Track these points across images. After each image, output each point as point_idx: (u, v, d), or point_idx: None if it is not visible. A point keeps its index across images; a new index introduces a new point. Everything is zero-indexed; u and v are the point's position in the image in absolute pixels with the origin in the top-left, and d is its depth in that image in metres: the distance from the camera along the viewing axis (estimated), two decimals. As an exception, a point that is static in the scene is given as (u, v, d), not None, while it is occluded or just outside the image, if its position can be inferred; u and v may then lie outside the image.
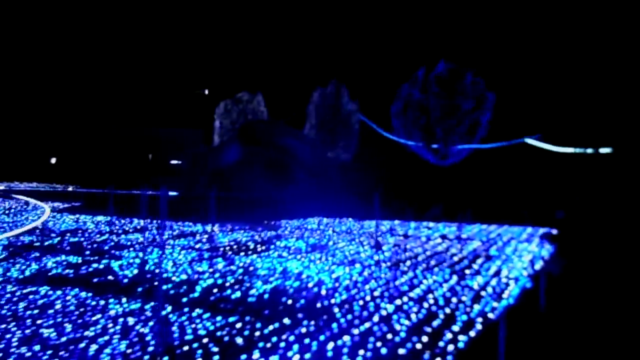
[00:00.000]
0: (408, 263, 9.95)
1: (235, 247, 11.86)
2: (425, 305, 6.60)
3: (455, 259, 10.64)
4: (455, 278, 8.49)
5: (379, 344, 5.18)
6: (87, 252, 10.50)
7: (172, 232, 14.36)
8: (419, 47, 32.73)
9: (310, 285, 7.77)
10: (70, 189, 34.33)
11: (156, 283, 6.95)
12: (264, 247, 11.86)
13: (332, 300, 6.78)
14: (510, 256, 11.02)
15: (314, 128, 34.84)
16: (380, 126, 35.25)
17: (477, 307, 6.63)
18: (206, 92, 41.81)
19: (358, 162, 34.35)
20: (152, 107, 46.48)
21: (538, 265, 9.86)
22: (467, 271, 9.21)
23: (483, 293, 7.47)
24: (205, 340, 5.20)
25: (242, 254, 10.95)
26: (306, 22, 42.31)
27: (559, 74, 32.34)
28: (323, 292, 7.34)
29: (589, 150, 27.99)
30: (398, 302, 6.73)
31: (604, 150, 27.72)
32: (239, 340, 5.20)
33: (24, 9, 41.76)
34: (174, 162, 41.51)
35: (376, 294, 7.22)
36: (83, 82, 43.00)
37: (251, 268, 9.17)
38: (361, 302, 6.68)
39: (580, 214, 19.72)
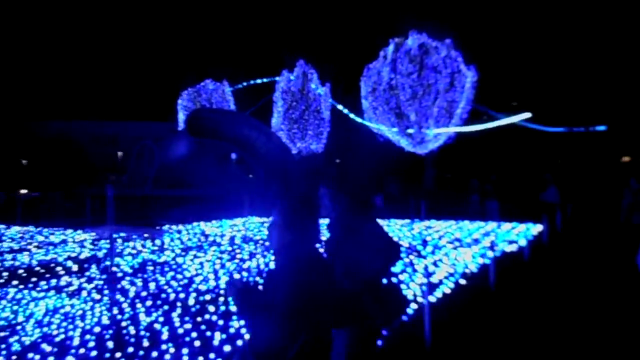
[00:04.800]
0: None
1: (39, 270, 8.72)
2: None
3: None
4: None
5: None
6: None
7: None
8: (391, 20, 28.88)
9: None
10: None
11: None
12: (75, 269, 8.70)
13: None
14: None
15: (280, 116, 31.43)
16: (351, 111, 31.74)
17: None
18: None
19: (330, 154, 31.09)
20: (119, 100, 43.88)
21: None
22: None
23: None
24: None
25: (13, 284, 7.79)
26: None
27: (548, 47, 28.36)
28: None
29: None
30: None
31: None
32: None
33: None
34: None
35: None
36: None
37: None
38: None
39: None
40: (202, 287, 7.19)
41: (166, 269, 8.43)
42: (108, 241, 11.88)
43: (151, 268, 8.39)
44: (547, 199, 16.11)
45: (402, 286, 6.74)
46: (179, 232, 13.48)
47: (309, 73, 30.37)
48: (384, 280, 3.18)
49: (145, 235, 12.93)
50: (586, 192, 19.11)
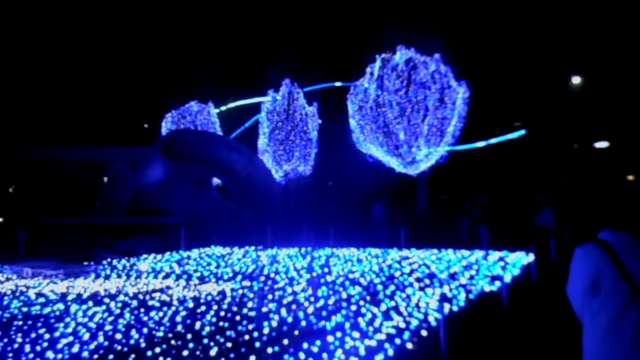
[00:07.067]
0: None
1: None
2: None
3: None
4: None
5: None
6: None
7: None
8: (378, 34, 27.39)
9: None
10: None
11: None
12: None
13: None
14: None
15: (266, 137, 30.00)
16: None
17: None
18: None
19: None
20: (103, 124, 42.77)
21: None
22: None
23: None
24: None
25: None
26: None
27: (543, 60, 26.82)
28: None
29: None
30: None
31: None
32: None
33: None
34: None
35: None
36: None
37: None
38: None
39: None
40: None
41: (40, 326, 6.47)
42: (26, 281, 10.22)
43: (20, 323, 6.61)
44: (540, 223, 14.09)
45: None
46: (113, 267, 11.71)
47: (295, 92, 28.95)
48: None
49: (70, 273, 11.18)
50: (587, 215, 17.14)
